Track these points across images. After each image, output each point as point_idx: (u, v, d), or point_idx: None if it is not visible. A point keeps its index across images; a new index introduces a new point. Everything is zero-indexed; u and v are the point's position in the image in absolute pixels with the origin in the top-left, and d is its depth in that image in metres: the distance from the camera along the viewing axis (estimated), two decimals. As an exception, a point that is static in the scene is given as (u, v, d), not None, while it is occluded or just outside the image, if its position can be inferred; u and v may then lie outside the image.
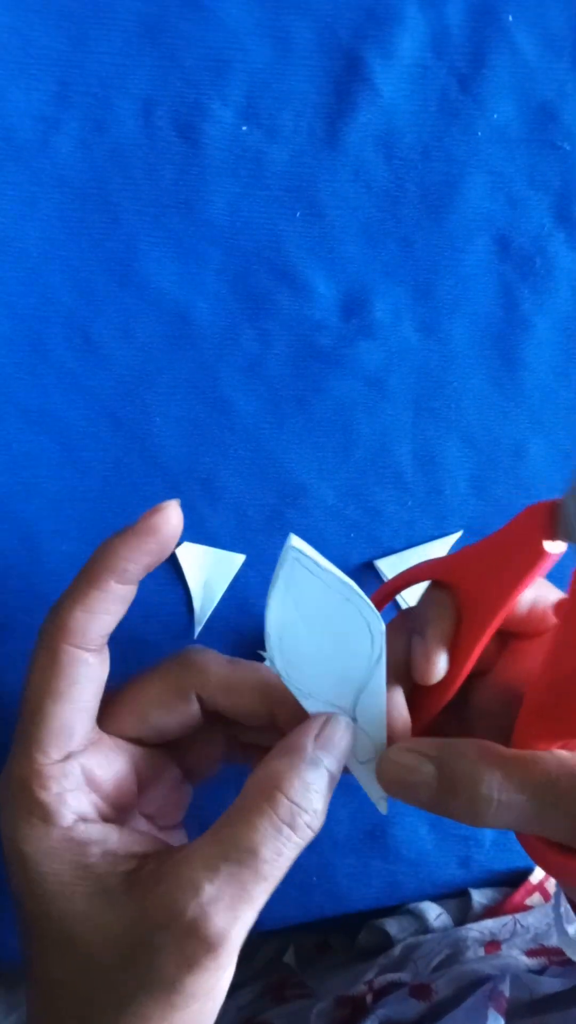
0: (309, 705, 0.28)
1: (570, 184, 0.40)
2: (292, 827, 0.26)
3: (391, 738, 0.29)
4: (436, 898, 0.43)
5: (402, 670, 0.30)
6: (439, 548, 0.41)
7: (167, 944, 0.25)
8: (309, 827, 0.26)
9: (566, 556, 0.28)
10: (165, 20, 0.38)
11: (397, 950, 0.41)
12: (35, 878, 0.26)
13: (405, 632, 0.31)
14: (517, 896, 0.42)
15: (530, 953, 0.39)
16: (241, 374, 0.40)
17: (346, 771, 0.29)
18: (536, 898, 0.42)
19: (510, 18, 0.39)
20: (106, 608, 0.28)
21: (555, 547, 0.27)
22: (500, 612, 0.29)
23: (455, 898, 0.43)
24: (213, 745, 0.32)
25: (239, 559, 0.40)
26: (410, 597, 0.41)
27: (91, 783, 0.28)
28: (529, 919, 0.41)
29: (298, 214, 0.39)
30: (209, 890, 0.25)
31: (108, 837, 0.27)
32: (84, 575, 0.28)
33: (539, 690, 0.28)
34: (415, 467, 0.41)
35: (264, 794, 0.26)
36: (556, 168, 0.40)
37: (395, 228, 0.40)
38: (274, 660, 0.27)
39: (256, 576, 0.40)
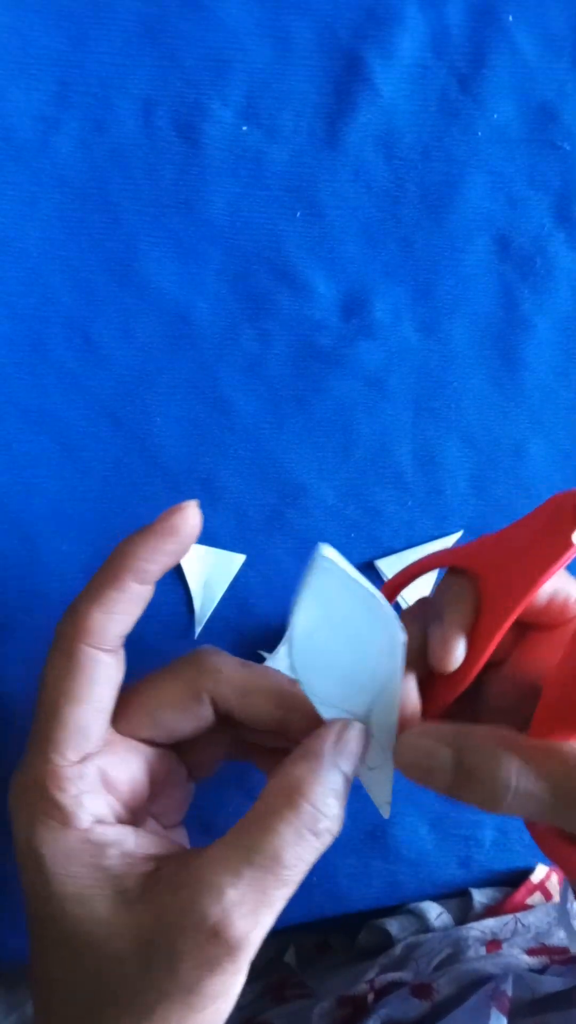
0: (325, 712, 0.28)
1: (570, 184, 0.40)
2: (314, 833, 0.26)
3: (401, 724, 0.28)
4: (436, 898, 0.43)
5: (416, 657, 0.30)
6: (439, 548, 0.41)
7: (188, 947, 0.25)
8: (329, 832, 0.26)
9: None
10: (165, 20, 0.38)
11: (398, 949, 0.41)
12: (52, 880, 0.26)
13: (421, 619, 0.31)
14: (518, 895, 0.42)
15: (531, 952, 0.39)
16: (241, 374, 0.39)
17: None
18: (537, 897, 0.43)
19: (510, 18, 0.39)
20: (124, 608, 0.28)
21: None
22: (522, 601, 0.28)
23: (456, 898, 0.43)
24: (218, 745, 0.32)
25: (239, 559, 0.40)
26: (410, 597, 0.41)
27: (107, 784, 0.28)
28: (530, 918, 0.41)
29: (298, 214, 0.39)
30: (232, 895, 0.25)
31: (125, 839, 0.27)
32: (102, 575, 0.28)
33: (559, 683, 0.27)
34: (415, 467, 0.41)
35: (286, 800, 0.26)
36: (556, 168, 0.40)
37: (395, 228, 0.40)
38: (295, 666, 0.27)
39: (256, 576, 0.40)
